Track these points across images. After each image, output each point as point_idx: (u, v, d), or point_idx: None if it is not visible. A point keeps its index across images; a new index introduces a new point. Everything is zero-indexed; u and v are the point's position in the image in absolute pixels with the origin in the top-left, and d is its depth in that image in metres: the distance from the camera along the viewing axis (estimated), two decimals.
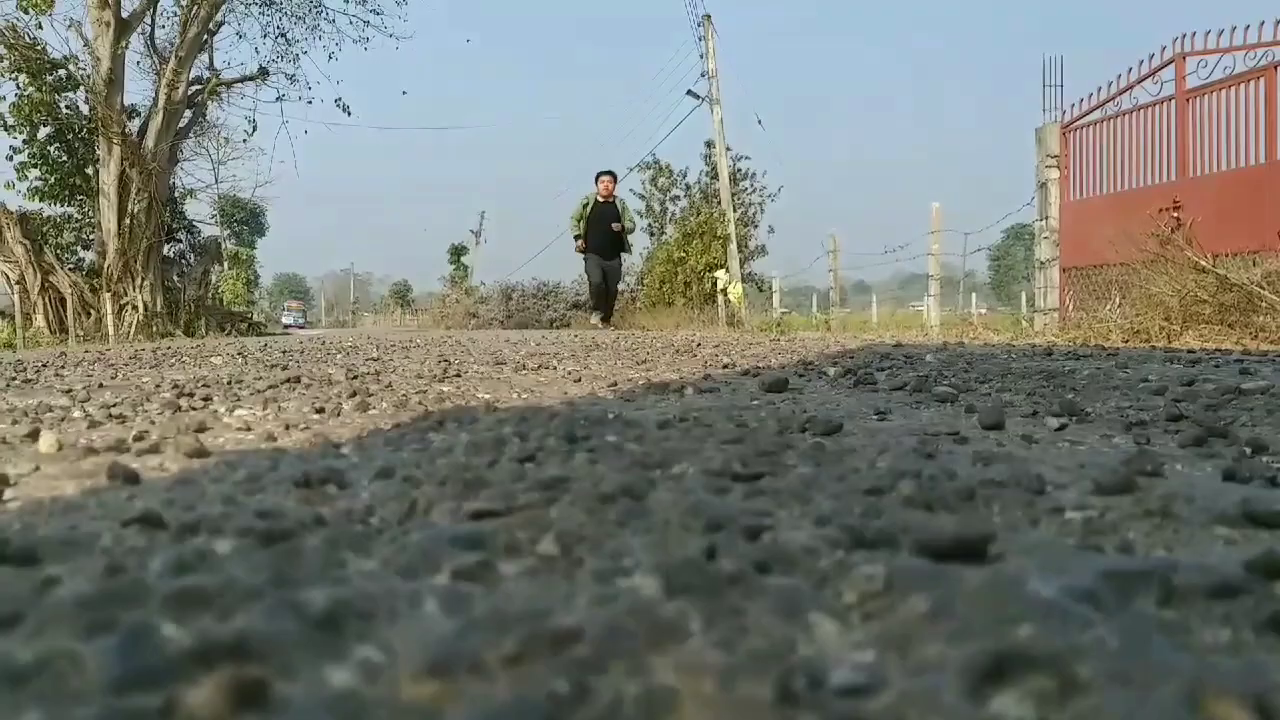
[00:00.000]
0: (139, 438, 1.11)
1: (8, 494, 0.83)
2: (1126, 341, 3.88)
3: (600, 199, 11.95)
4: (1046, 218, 9.99)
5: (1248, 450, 0.95)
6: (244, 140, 14.86)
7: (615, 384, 1.72)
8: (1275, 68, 7.55)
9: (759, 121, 22.42)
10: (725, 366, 2.10)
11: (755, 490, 0.82)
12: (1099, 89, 9.58)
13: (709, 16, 16.24)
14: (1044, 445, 1.04)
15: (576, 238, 12.05)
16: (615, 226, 12.18)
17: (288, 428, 1.22)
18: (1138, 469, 0.86)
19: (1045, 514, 0.72)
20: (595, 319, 12.62)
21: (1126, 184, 9.24)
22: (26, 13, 12.18)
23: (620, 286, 13.52)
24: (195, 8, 13.38)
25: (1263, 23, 7.74)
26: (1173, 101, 8.63)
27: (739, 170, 18.44)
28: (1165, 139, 8.72)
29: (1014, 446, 1.03)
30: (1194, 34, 8.50)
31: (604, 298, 12.50)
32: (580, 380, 1.83)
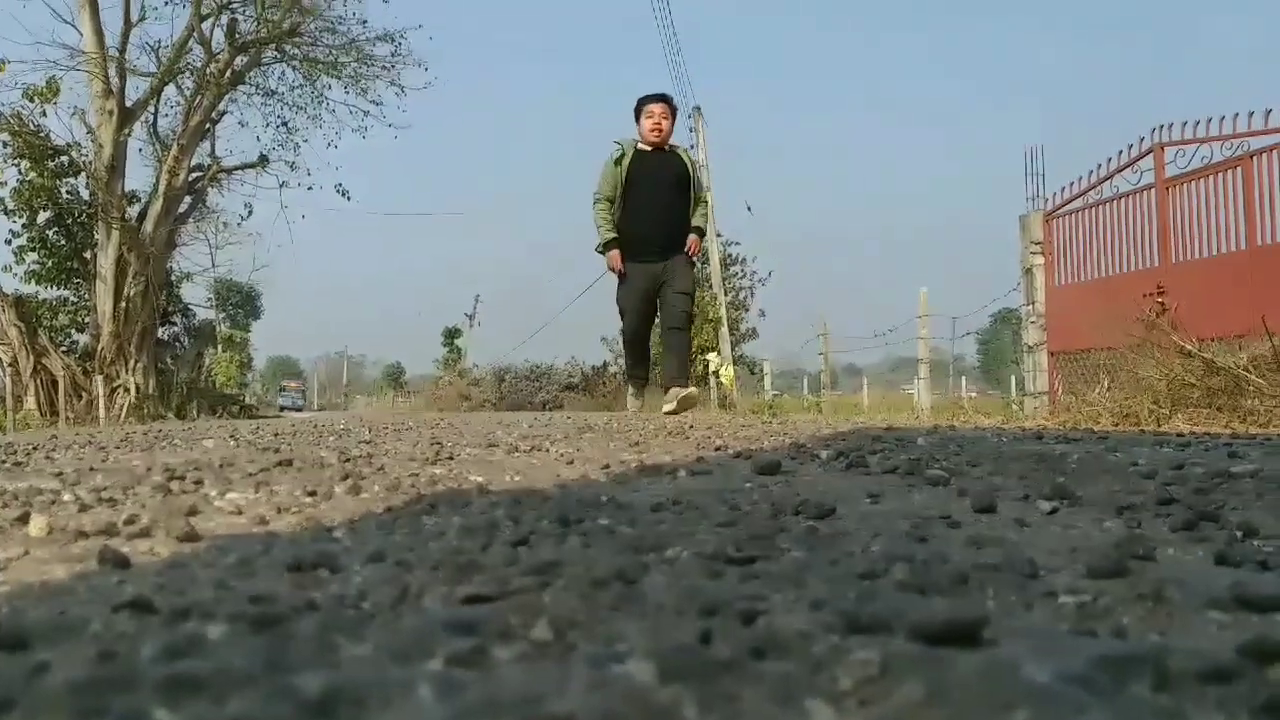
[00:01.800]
0: (130, 521, 1.10)
1: None
2: (1117, 425, 3.90)
3: (648, 145, 6.51)
4: (1033, 302, 10.13)
5: (1238, 534, 0.96)
6: (240, 224, 15.07)
7: (608, 466, 1.72)
8: (1251, 157, 7.77)
9: (748, 208, 22.87)
10: (718, 449, 2.10)
11: (749, 574, 0.81)
12: (1080, 178, 9.83)
13: (699, 108, 16.68)
14: (1036, 529, 1.04)
15: (608, 241, 6.44)
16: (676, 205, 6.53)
17: (279, 511, 1.22)
18: (1130, 553, 0.86)
19: (1038, 598, 0.72)
20: (632, 397, 7.11)
21: (1110, 270, 9.40)
22: (32, 101, 12.45)
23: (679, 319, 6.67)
24: (199, 97, 13.70)
25: (1237, 115, 7.99)
26: (1153, 190, 8.84)
27: (729, 255, 18.69)
28: (1147, 226, 8.91)
29: (1006, 530, 1.03)
30: (1171, 125, 8.77)
31: (644, 349, 7.02)
32: (573, 463, 1.83)
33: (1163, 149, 8.66)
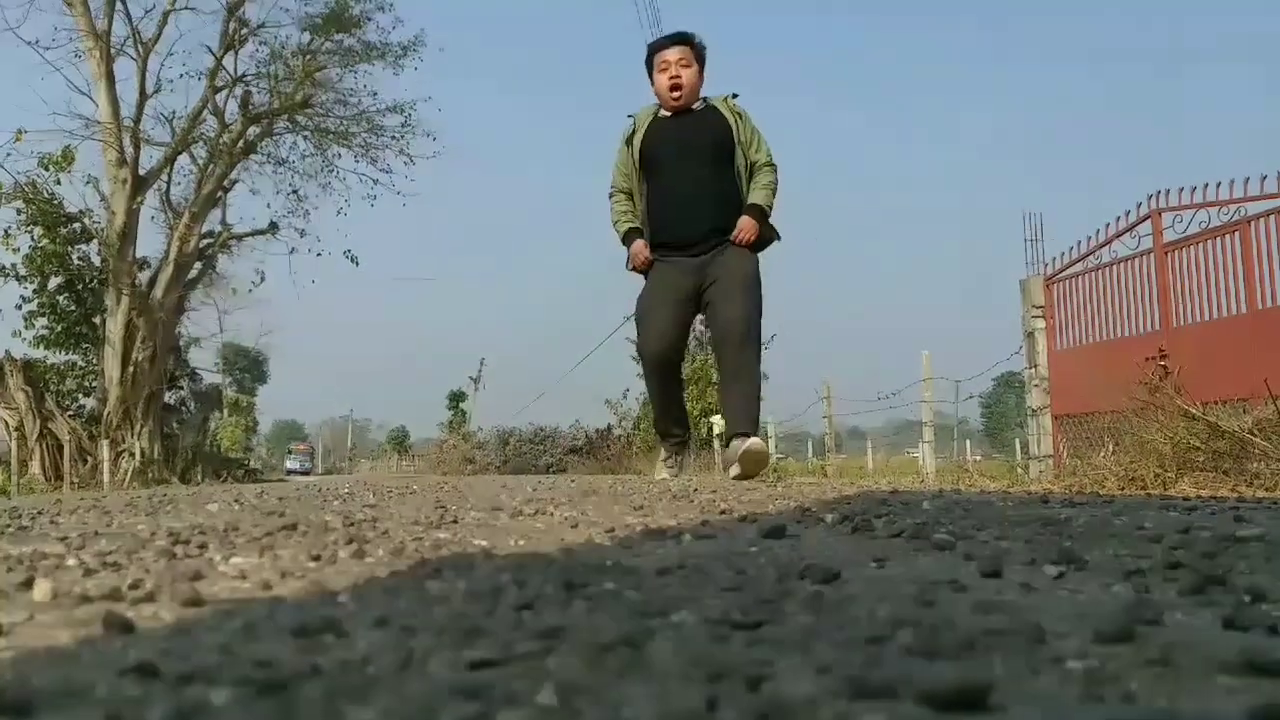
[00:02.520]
0: (134, 586, 1.10)
1: (1, 643, 0.83)
2: (1123, 489, 3.88)
3: (668, 109, 5.03)
4: (1035, 366, 10.14)
5: (1246, 598, 0.95)
6: (251, 290, 15.24)
7: (613, 530, 1.72)
8: (1249, 222, 7.85)
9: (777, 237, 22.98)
10: (723, 512, 2.09)
11: (755, 639, 0.81)
12: (1079, 242, 9.94)
13: None
14: (1043, 593, 1.04)
15: (627, 232, 4.99)
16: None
17: (284, 576, 1.22)
18: (1137, 617, 0.86)
19: (1046, 663, 0.72)
20: (663, 464, 5.23)
21: (1112, 333, 9.44)
22: (47, 169, 12.69)
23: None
24: (211, 166, 13.96)
25: (1233, 181, 8.10)
26: (1152, 254, 8.92)
27: None
28: (1147, 290, 8.96)
29: (1013, 594, 1.03)
30: (1168, 191, 8.88)
31: (671, 386, 5.16)
32: (577, 526, 1.83)
33: (1160, 214, 8.76)
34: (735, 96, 5.12)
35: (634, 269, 5.04)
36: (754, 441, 4.61)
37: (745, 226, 4.84)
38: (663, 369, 5.07)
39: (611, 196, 5.16)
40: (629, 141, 5.08)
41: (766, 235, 4.97)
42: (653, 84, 5.08)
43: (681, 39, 5.11)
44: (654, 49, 5.10)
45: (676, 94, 5.00)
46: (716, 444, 12.15)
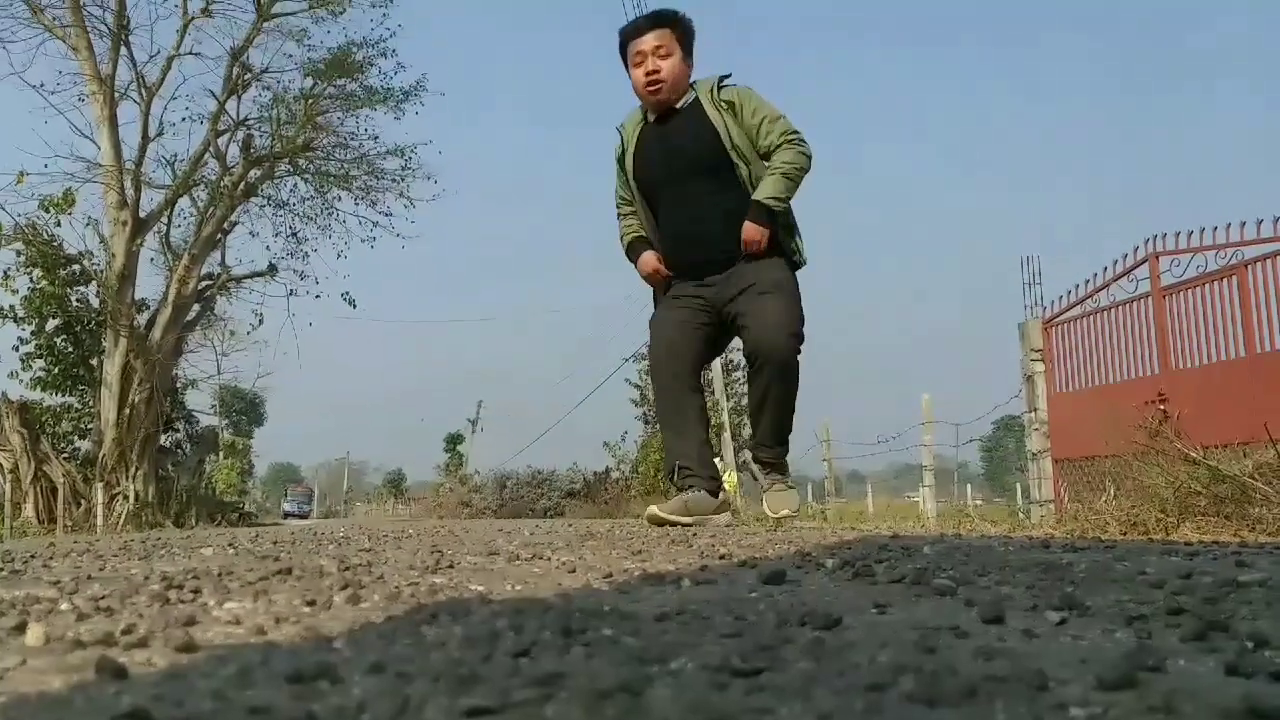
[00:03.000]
0: (127, 631, 1.09)
1: None
2: (1125, 534, 3.86)
3: (651, 111, 4.29)
4: (1035, 409, 10.15)
5: (1249, 644, 0.94)
6: (249, 332, 15.28)
7: (610, 575, 1.71)
8: (1246, 266, 7.91)
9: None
10: (722, 557, 2.08)
11: (755, 685, 0.80)
12: (1077, 286, 10.00)
13: None
14: (1045, 639, 1.03)
15: (633, 242, 4.41)
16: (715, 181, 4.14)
17: (278, 621, 1.21)
18: (1140, 664, 0.85)
19: (1049, 710, 0.71)
20: (679, 505, 4.00)
21: (1111, 377, 9.46)
22: (47, 211, 12.78)
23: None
24: (212, 209, 14.05)
25: (1229, 225, 8.19)
26: (1149, 298, 8.97)
27: (730, 361, 18.82)
28: (1145, 333, 9.00)
29: (1015, 640, 1.02)
30: (1164, 235, 8.96)
31: (683, 415, 4.23)
32: (575, 571, 1.82)
33: (1157, 258, 8.83)
34: (725, 80, 4.23)
35: (646, 280, 4.38)
36: (789, 493, 4.27)
37: (748, 234, 4.02)
38: (668, 405, 4.33)
39: (618, 210, 4.49)
40: (620, 161, 4.39)
41: (787, 251, 4.16)
42: (629, 68, 4.24)
43: (658, 19, 4.18)
44: (625, 35, 4.20)
45: (655, 89, 4.17)
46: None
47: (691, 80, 4.29)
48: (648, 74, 4.16)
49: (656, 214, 4.35)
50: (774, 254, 4.12)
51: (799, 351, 4.03)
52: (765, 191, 4.01)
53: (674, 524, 3.91)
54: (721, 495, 4.31)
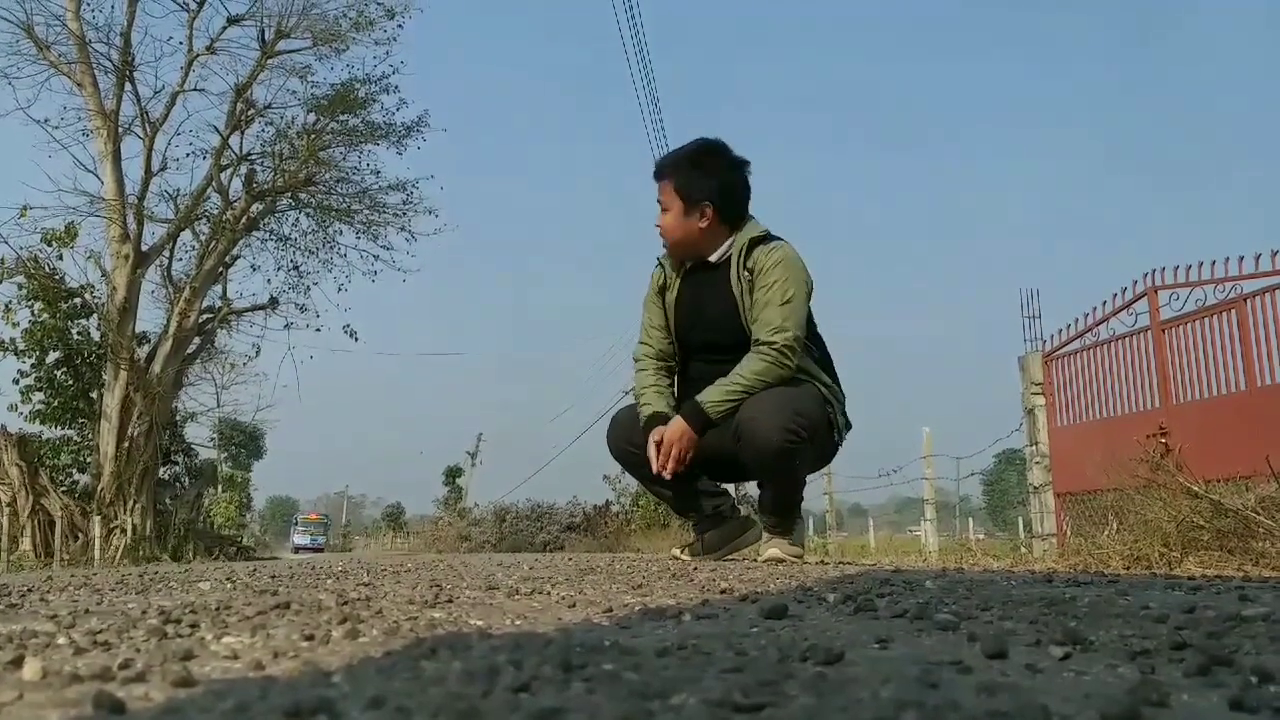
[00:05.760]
0: (125, 665, 1.09)
1: None
2: (1128, 568, 3.84)
3: (669, 265, 3.93)
4: (1036, 443, 10.13)
5: (1253, 678, 0.94)
6: (246, 363, 15.30)
7: (611, 610, 1.70)
8: (1245, 300, 7.94)
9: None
10: (723, 592, 2.07)
11: None
12: (1076, 319, 10.02)
13: None
14: (1048, 674, 1.02)
15: (650, 419, 3.76)
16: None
17: (276, 655, 1.20)
18: (1144, 699, 0.84)
19: None
20: (687, 547, 4.03)
21: (1112, 410, 9.45)
22: (50, 244, 12.84)
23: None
24: (214, 243, 14.12)
25: (1228, 259, 8.23)
26: (1149, 332, 8.99)
27: None
28: (1146, 367, 9.00)
29: (1018, 676, 1.01)
30: (1163, 269, 8.99)
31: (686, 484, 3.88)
32: (575, 605, 1.81)
33: (1156, 292, 8.86)
34: (758, 240, 3.76)
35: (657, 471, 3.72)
36: (773, 549, 3.84)
37: (667, 437, 3.63)
38: (635, 455, 3.91)
39: (637, 363, 4.03)
40: (662, 293, 3.96)
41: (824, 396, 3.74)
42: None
43: (657, 169, 3.87)
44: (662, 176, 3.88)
45: (664, 243, 3.92)
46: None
47: (736, 231, 3.81)
48: (657, 226, 3.86)
49: (684, 367, 4.00)
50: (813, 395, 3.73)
51: (796, 443, 3.54)
52: (709, 395, 3.63)
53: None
54: (743, 511, 4.17)
